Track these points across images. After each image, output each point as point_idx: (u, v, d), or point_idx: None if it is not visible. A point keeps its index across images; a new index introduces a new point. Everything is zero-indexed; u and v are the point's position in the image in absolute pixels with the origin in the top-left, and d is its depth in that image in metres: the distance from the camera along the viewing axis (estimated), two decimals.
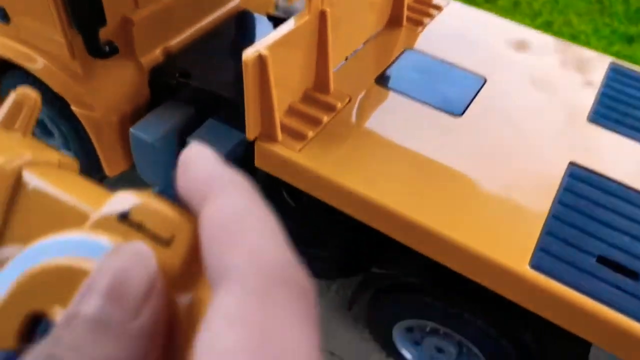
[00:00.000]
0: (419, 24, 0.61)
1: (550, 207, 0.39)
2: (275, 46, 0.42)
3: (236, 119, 0.53)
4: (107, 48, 0.49)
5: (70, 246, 0.16)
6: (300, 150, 0.40)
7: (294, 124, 0.42)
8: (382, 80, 0.50)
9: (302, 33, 0.47)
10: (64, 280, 0.16)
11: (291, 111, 0.45)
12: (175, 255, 0.16)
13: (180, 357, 0.16)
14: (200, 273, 0.16)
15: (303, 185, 0.39)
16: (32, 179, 0.18)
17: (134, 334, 0.14)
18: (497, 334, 0.41)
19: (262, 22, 0.66)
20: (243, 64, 0.38)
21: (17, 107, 0.24)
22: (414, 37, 0.59)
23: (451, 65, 0.53)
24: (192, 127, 0.53)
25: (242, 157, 0.54)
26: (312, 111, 0.42)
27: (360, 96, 0.46)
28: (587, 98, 0.53)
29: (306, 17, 0.44)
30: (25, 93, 0.25)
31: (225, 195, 0.15)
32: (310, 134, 0.41)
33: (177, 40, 0.57)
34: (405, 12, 0.61)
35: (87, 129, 0.52)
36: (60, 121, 0.51)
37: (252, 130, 0.40)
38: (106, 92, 0.51)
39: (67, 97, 0.51)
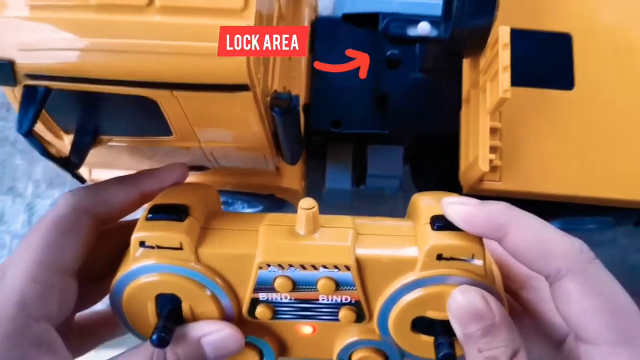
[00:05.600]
0: None
1: None
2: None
3: (390, 140, 0.63)
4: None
5: (429, 281, 0.25)
6: (500, 180, 0.55)
7: None
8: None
9: None
10: (432, 298, 0.25)
11: None
12: (484, 263, 0.25)
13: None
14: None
15: (506, 195, 0.55)
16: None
17: (507, 321, 0.23)
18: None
19: (330, 25, 0.59)
20: (471, 174, 0.50)
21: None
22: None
23: (540, 32, 0.60)
24: (358, 158, 0.63)
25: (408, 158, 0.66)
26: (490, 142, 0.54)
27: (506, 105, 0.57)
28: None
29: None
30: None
31: (519, 225, 0.23)
32: (499, 162, 0.54)
33: (303, 89, 0.61)
34: None
35: (290, 200, 0.63)
36: (263, 201, 0.63)
37: (466, 181, 0.54)
38: (297, 174, 0.60)
39: (274, 193, 0.60)
